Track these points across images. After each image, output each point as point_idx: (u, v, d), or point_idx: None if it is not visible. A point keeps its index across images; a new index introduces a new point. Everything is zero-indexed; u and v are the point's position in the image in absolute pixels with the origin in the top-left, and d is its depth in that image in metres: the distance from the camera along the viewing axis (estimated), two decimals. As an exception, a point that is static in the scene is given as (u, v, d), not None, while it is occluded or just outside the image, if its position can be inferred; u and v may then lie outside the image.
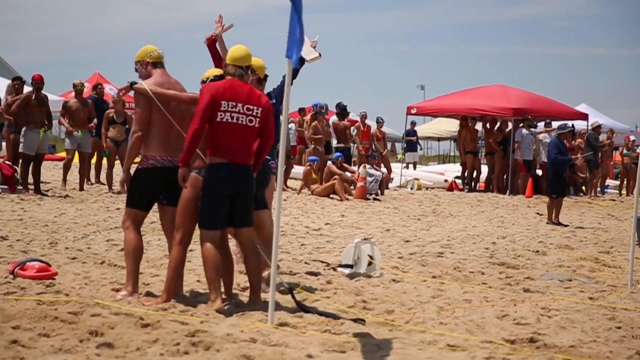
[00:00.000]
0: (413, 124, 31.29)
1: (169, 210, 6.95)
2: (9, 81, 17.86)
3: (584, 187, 23.54)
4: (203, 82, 7.19)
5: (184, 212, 6.73)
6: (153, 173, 6.82)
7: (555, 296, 7.92)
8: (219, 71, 7.29)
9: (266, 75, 7.73)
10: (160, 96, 6.79)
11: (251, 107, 6.52)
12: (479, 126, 24.38)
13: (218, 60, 8.05)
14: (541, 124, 22.94)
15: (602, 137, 25.58)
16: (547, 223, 15.10)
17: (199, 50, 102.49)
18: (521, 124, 22.41)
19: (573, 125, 23.15)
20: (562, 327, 6.51)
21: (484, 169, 23.95)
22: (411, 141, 30.43)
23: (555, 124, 23.95)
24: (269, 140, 6.69)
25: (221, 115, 6.46)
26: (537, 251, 11.20)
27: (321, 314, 6.56)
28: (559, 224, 15.05)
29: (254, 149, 6.67)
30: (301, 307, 6.69)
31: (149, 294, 7.15)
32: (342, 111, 21.31)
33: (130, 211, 6.97)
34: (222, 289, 6.74)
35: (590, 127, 23.73)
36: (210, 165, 6.49)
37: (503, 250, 11.11)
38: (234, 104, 6.48)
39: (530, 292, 8.17)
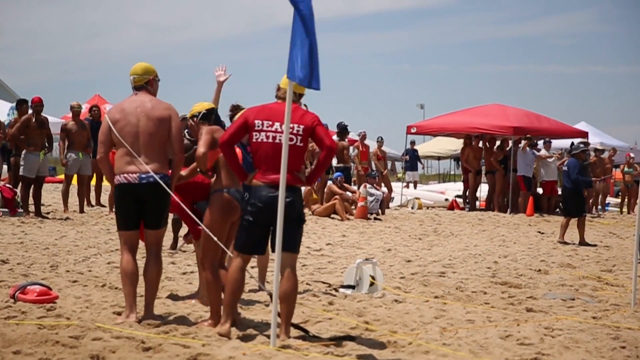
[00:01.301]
0: (412, 143, 31.31)
1: (148, 233, 6.96)
2: (10, 104, 17.77)
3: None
4: (193, 117, 7.18)
5: (209, 235, 6.77)
6: (120, 190, 6.87)
7: (559, 316, 7.88)
8: (209, 104, 7.28)
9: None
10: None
11: (291, 125, 6.26)
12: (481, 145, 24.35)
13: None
14: (540, 142, 22.90)
15: (605, 154, 25.53)
16: (580, 243, 15.02)
17: (197, 71, 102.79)
18: (523, 141, 22.39)
19: (572, 144, 23.16)
20: (566, 347, 6.47)
21: (484, 188, 23.93)
22: (410, 160, 30.41)
23: (555, 142, 23.96)
24: (328, 152, 6.33)
25: (256, 135, 6.33)
26: (539, 270, 11.16)
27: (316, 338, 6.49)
28: (565, 242, 15.00)
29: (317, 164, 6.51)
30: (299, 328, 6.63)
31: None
32: (342, 130, 21.30)
33: (119, 233, 7.03)
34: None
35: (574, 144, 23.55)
36: (252, 188, 6.35)
37: (505, 270, 11.08)
38: (271, 123, 6.32)
39: (534, 312, 8.13)
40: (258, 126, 6.33)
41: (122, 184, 6.82)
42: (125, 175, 6.79)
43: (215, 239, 6.72)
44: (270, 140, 6.30)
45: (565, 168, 15.55)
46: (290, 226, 6.23)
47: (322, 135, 6.34)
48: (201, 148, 6.75)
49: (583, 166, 21.08)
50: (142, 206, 6.86)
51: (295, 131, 6.30)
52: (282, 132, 6.25)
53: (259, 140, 6.33)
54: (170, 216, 10.17)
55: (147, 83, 7.04)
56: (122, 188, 6.83)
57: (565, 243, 14.97)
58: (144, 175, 6.76)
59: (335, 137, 21.67)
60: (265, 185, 6.26)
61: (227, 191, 6.87)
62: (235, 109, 8.16)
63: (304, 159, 6.48)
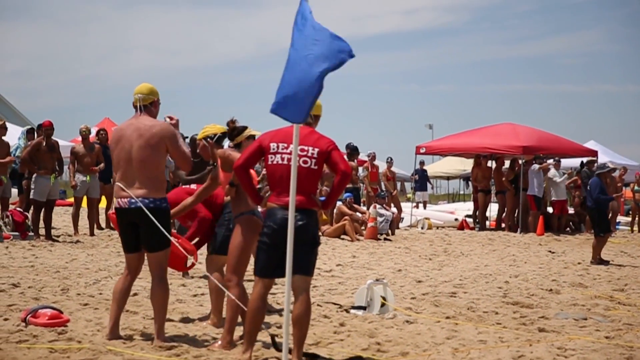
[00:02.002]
0: (422, 163, 31.33)
1: (147, 256, 6.98)
2: (20, 128, 17.79)
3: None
4: (207, 138, 7.22)
5: (236, 254, 6.82)
6: (116, 214, 7.04)
7: (571, 335, 7.85)
8: (222, 127, 7.30)
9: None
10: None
11: (306, 147, 6.25)
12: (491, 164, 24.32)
13: None
14: (550, 162, 22.86)
15: (616, 173, 25.43)
16: (592, 262, 14.94)
17: (207, 94, 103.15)
18: (534, 161, 22.38)
19: (582, 164, 23.13)
20: (579, 367, 6.43)
21: (494, 207, 23.89)
22: (420, 180, 30.46)
23: (564, 162, 23.88)
24: (343, 177, 6.26)
25: (271, 157, 6.30)
26: (551, 290, 11.11)
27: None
28: (602, 262, 14.94)
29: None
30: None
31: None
32: (352, 151, 21.27)
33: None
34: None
35: (584, 163, 23.47)
36: (267, 210, 6.34)
37: (516, 289, 11.03)
38: (286, 145, 6.28)
39: (546, 332, 8.09)
40: (273, 149, 6.31)
41: (116, 208, 6.99)
42: (119, 200, 6.91)
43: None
44: (285, 162, 6.25)
45: (589, 187, 15.46)
46: (304, 249, 6.19)
47: (337, 160, 6.31)
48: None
49: (586, 184, 21.05)
50: (138, 230, 6.92)
51: (309, 154, 6.27)
52: (296, 155, 6.21)
53: (275, 162, 6.30)
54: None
55: (151, 104, 7.07)
56: (117, 212, 7.00)
57: (603, 261, 14.88)
58: (133, 200, 6.83)
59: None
60: (280, 208, 6.22)
61: (254, 212, 6.92)
62: (232, 124, 8.16)
63: (318, 182, 6.43)
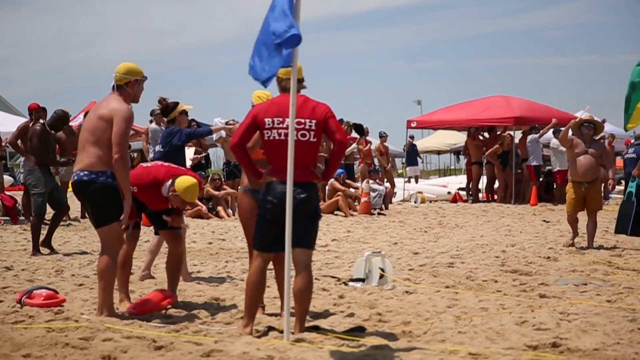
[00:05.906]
0: (411, 137, 31.24)
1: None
2: (7, 115, 17.54)
3: None
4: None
5: (245, 234, 6.89)
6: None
7: (573, 300, 7.78)
8: (265, 94, 7.04)
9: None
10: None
11: (302, 120, 6.09)
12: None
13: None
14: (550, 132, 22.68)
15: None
16: None
17: (193, 75, 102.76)
18: (531, 132, 22.24)
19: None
20: (583, 330, 6.37)
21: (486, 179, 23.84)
22: (410, 155, 30.46)
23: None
24: (340, 146, 6.17)
25: (267, 133, 6.13)
26: (549, 257, 11.05)
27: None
28: None
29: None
30: None
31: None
32: (358, 130, 21.18)
33: None
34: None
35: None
36: (266, 185, 6.20)
37: (514, 258, 10.97)
38: (281, 119, 6.10)
39: (547, 298, 8.03)
40: (268, 124, 6.13)
41: None
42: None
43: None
44: (282, 137, 6.08)
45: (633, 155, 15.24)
46: (305, 222, 6.10)
47: (333, 128, 6.16)
48: None
49: None
50: None
51: (307, 127, 6.11)
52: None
53: (271, 138, 6.14)
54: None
55: (127, 84, 6.91)
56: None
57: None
58: (74, 174, 6.79)
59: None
60: (280, 182, 6.08)
61: (246, 190, 6.91)
62: (164, 101, 8.64)
63: (317, 154, 6.26)
